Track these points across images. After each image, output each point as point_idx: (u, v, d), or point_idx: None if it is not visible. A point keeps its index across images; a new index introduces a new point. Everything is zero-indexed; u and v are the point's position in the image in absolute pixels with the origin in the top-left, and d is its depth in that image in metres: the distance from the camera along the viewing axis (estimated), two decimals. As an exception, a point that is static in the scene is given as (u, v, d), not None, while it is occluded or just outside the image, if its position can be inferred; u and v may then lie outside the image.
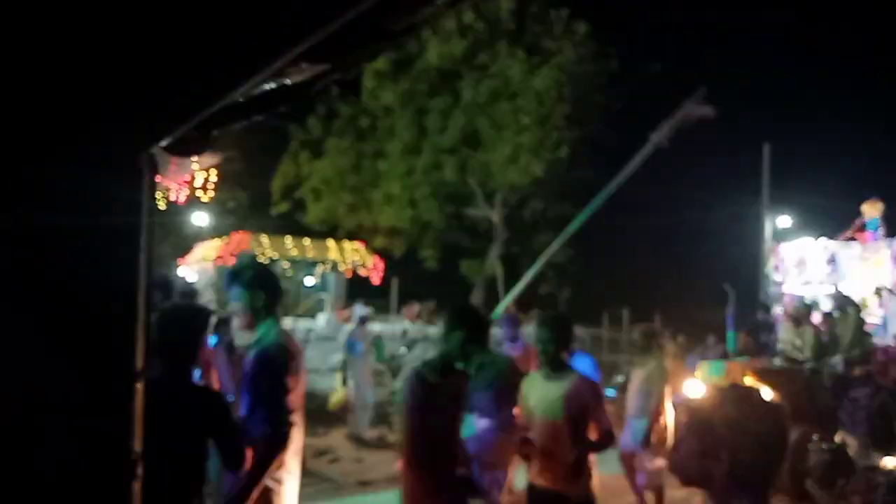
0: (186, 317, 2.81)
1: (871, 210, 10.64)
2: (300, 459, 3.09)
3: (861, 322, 8.65)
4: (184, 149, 1.55)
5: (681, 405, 6.16)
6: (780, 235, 15.91)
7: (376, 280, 16.81)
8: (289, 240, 16.27)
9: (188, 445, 2.56)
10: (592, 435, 3.47)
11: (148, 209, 1.26)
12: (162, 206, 10.51)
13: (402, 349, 11.45)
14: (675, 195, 22.39)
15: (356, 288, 16.94)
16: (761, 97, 22.90)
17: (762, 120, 20.58)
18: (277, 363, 2.84)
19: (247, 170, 22.20)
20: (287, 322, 12.32)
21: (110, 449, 1.12)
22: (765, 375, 6.88)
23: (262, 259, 15.89)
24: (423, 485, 3.03)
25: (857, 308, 8.74)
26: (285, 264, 16.26)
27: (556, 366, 3.49)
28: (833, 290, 9.89)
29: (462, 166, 20.35)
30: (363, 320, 9.38)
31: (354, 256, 16.79)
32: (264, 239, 16.10)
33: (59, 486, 1.10)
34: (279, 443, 2.74)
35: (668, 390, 5.62)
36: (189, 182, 10.20)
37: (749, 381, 7.13)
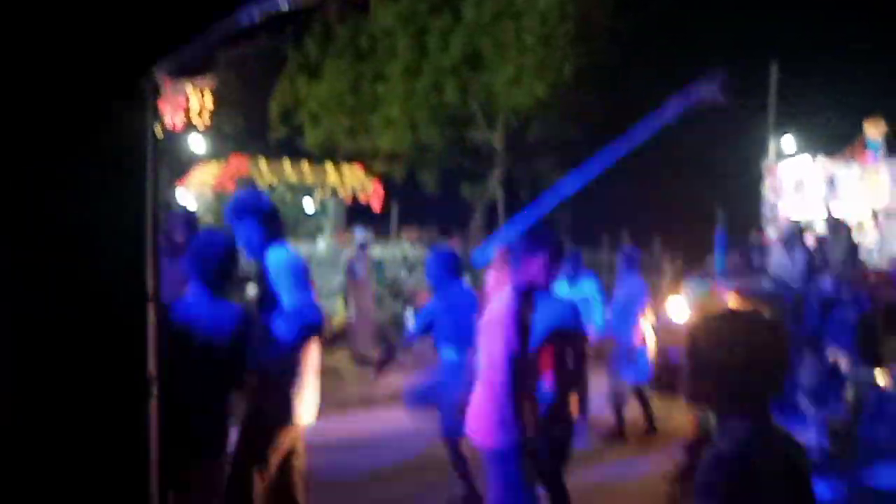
0: (221, 241, 3.22)
1: (874, 129, 10.36)
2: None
3: (852, 245, 8.62)
4: (185, 71, 1.50)
5: (665, 325, 6.30)
6: (784, 156, 15.71)
7: (376, 205, 16.74)
8: (287, 164, 16.09)
9: (225, 356, 2.97)
10: None
11: (152, 133, 1.24)
12: (159, 131, 10.36)
13: (403, 273, 11.57)
14: (679, 116, 22.01)
15: (356, 213, 16.89)
16: (771, 10, 22.15)
17: (770, 37, 19.93)
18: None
19: (243, 94, 21.77)
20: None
21: (125, 370, 1.15)
22: (749, 297, 6.95)
23: (260, 184, 15.78)
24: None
25: (849, 230, 8.70)
26: (284, 189, 16.15)
27: None
28: (827, 213, 9.81)
29: (463, 88, 19.93)
30: (363, 246, 9.43)
31: (354, 181, 16.63)
32: (262, 164, 15.93)
33: (78, 408, 1.13)
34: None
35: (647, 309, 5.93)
36: (184, 106, 10.04)
37: (732, 302, 7.19)
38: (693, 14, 20.36)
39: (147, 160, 1.22)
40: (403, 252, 12.99)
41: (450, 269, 4.44)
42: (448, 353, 4.34)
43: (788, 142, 18.33)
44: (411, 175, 22.39)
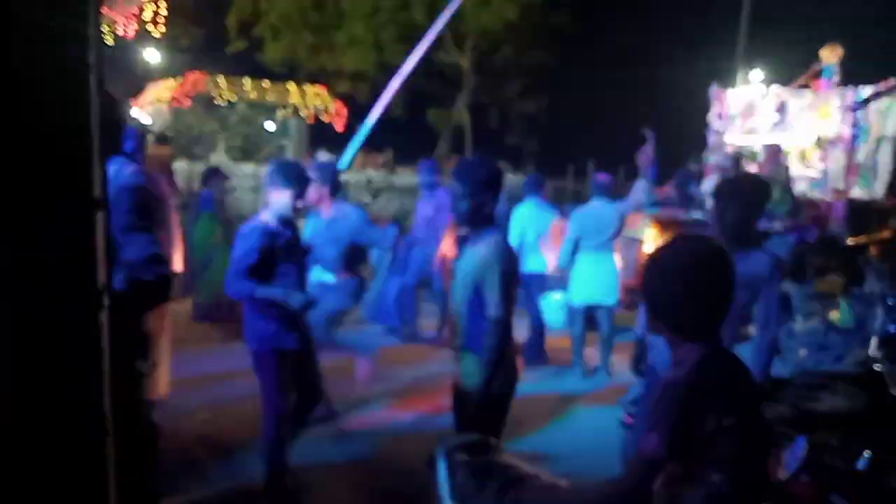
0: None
1: (830, 55, 10.10)
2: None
3: (785, 175, 8.58)
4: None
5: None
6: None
7: (340, 126, 16.36)
8: (248, 81, 15.53)
9: None
10: None
11: (95, 42, 1.13)
12: (110, 40, 9.80)
13: (367, 198, 11.44)
14: (649, 48, 21.80)
15: (319, 134, 16.52)
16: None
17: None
18: None
19: (200, 4, 20.73)
20: (248, 168, 12.07)
21: (75, 282, 1.09)
22: (668, 227, 6.92)
23: (219, 101, 15.25)
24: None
25: (782, 158, 8.63)
26: (244, 107, 15.64)
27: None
28: (770, 141, 9.69)
29: (431, 6, 19.28)
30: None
31: (316, 101, 16.18)
32: (221, 80, 15.34)
33: (26, 325, 1.08)
34: None
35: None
36: (137, 15, 9.48)
37: (651, 231, 7.20)
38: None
39: (90, 70, 1.12)
40: (368, 177, 12.81)
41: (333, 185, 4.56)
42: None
43: (757, 75, 18.33)
44: (376, 97, 21.84)
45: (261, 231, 3.35)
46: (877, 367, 3.40)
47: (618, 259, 5.95)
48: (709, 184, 8.13)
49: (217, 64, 19.45)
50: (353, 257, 4.58)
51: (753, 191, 3.05)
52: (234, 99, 15.48)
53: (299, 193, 3.50)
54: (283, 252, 3.40)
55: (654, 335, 2.34)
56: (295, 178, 3.49)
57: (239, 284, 3.32)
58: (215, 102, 15.51)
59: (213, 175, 7.86)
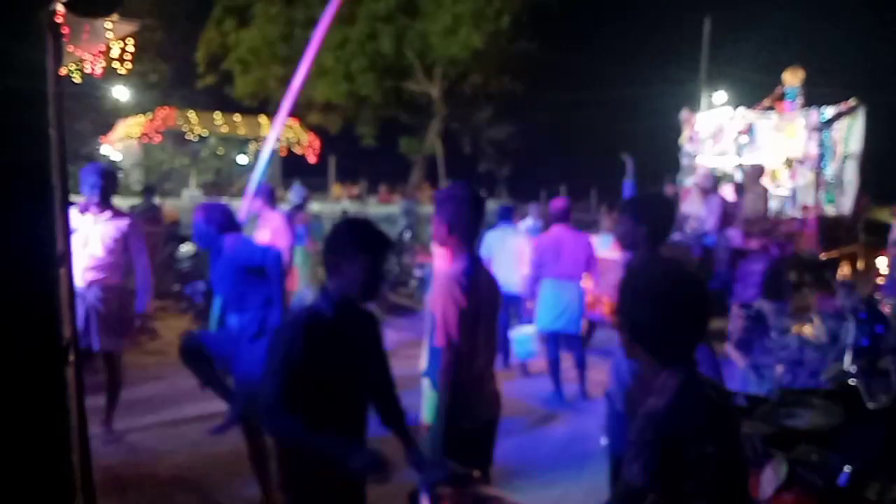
0: None
1: (792, 78, 10.43)
2: None
3: (763, 195, 8.77)
4: (89, 8, 1.35)
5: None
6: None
7: (312, 158, 16.38)
8: (218, 116, 15.51)
9: None
10: None
11: (54, 76, 1.11)
12: (77, 78, 9.72)
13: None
14: (616, 73, 22.21)
15: (291, 166, 16.50)
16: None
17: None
18: None
19: (169, 39, 20.71)
20: (221, 202, 11.98)
21: (38, 338, 1.05)
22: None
23: (190, 136, 15.20)
24: None
25: (760, 178, 8.81)
26: (215, 141, 15.59)
27: None
28: (743, 162, 9.93)
29: (399, 37, 19.50)
30: (300, 207, 9.09)
31: (288, 133, 16.20)
32: (191, 115, 15.31)
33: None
34: None
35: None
36: (104, 52, 9.43)
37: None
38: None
39: (48, 105, 1.09)
40: (342, 207, 12.79)
41: (220, 225, 3.89)
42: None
43: (720, 97, 18.76)
44: (348, 128, 21.95)
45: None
46: (851, 381, 3.43)
47: (591, 283, 5.94)
48: (688, 206, 8.25)
49: (187, 99, 19.42)
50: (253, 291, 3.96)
51: (659, 207, 3.12)
52: (205, 133, 15.46)
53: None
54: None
55: (626, 360, 2.33)
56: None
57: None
58: (186, 137, 15.46)
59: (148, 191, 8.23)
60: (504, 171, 22.02)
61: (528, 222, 7.86)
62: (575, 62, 21.85)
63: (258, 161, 16.58)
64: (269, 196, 6.72)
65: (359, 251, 2.22)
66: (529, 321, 5.97)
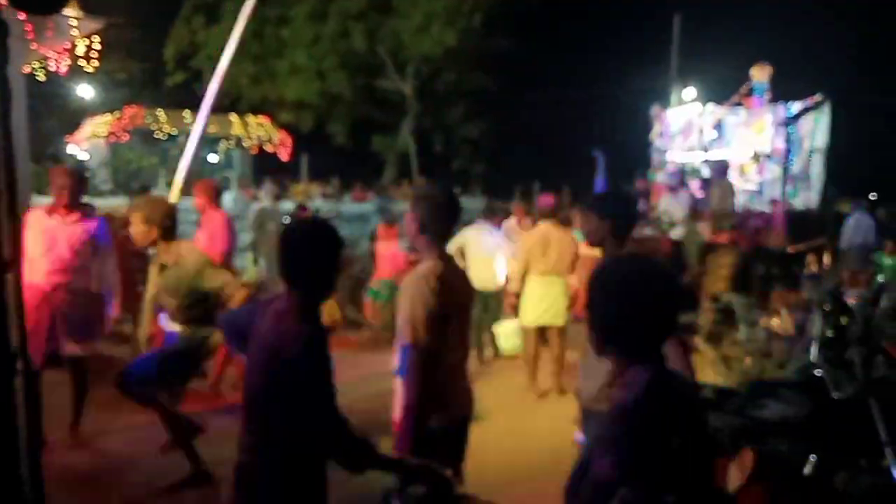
0: None
1: (760, 74, 10.62)
2: None
3: (730, 190, 8.93)
4: (36, 4, 1.31)
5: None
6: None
7: (284, 156, 16.21)
8: (188, 114, 15.26)
9: None
10: None
11: (2, 76, 1.07)
12: (41, 76, 9.53)
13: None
14: (588, 69, 22.36)
15: (263, 164, 16.33)
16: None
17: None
18: None
19: (136, 37, 20.37)
20: (190, 202, 11.84)
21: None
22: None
23: (159, 135, 14.96)
24: None
25: (728, 173, 8.98)
26: (185, 140, 15.39)
27: None
28: (711, 157, 10.10)
29: (371, 34, 19.39)
30: (278, 198, 9.15)
31: (260, 131, 16.01)
32: (160, 113, 15.05)
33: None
34: None
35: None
36: (69, 50, 9.25)
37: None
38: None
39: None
40: (316, 206, 12.69)
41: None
42: None
43: (690, 93, 18.96)
44: (320, 126, 21.78)
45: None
46: (818, 372, 3.49)
47: (575, 279, 6.03)
48: (664, 202, 8.36)
49: (156, 97, 19.12)
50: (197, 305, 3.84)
51: (623, 203, 3.20)
52: (174, 132, 15.21)
53: None
54: None
55: (594, 357, 2.34)
56: None
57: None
58: (155, 136, 15.20)
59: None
60: (478, 168, 22.02)
61: (511, 220, 7.96)
62: (546, 59, 21.96)
63: (230, 159, 16.38)
64: (214, 194, 6.27)
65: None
66: (511, 316, 6.13)
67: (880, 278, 6.94)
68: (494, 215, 7.24)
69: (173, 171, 15.69)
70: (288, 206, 10.67)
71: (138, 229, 3.75)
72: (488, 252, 6.72)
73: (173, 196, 4.26)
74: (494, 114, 21.78)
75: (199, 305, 3.77)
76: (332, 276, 2.28)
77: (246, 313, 2.47)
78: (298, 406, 2.08)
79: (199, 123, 4.52)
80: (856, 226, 9.29)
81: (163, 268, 3.82)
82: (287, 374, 2.09)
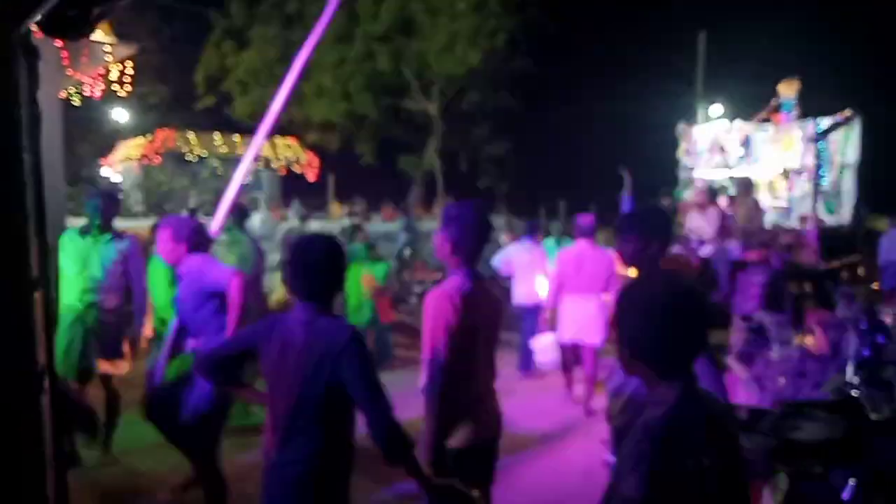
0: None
1: (787, 90, 10.51)
2: None
3: (758, 206, 8.78)
4: (66, 30, 1.34)
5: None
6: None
7: (311, 177, 16.41)
8: (217, 136, 15.56)
9: None
10: None
11: (30, 99, 1.09)
12: (77, 101, 9.80)
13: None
14: (614, 88, 22.31)
15: (291, 185, 16.54)
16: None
17: (698, 7, 20.34)
18: None
19: (167, 62, 20.89)
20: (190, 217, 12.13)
21: (12, 365, 1.03)
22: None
23: (189, 157, 15.25)
24: None
25: (753, 191, 8.84)
26: (215, 162, 15.64)
27: None
28: (739, 174, 9.96)
29: (396, 55, 19.62)
30: (305, 218, 9.29)
31: (287, 153, 16.25)
32: (191, 136, 15.37)
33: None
34: None
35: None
36: (103, 75, 9.51)
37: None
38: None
39: (21, 128, 1.07)
40: (343, 225, 12.79)
41: (189, 242, 3.71)
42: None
43: (717, 109, 18.82)
44: (347, 146, 22.03)
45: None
46: (854, 392, 3.40)
47: (610, 298, 6.02)
48: (692, 220, 8.28)
49: (186, 120, 19.53)
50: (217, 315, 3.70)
51: (655, 221, 3.04)
52: (204, 154, 15.51)
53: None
54: None
55: (627, 375, 2.31)
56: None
57: None
58: (186, 158, 15.51)
59: None
60: (503, 186, 22.04)
61: (551, 239, 8.22)
62: (571, 78, 21.99)
63: (258, 180, 16.61)
64: (240, 216, 6.13)
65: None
66: (551, 331, 6.21)
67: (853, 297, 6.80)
68: (537, 232, 7.70)
69: (203, 191, 15.98)
70: (315, 225, 10.78)
71: (166, 246, 3.68)
72: (531, 269, 7.15)
73: (215, 224, 4.18)
74: (519, 132, 21.85)
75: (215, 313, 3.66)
76: (340, 288, 2.48)
77: (244, 341, 2.54)
78: (368, 393, 2.25)
79: (252, 150, 4.43)
80: (892, 242, 9.09)
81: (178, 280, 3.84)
82: (352, 368, 2.25)
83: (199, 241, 3.75)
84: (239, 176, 4.10)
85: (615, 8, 22.57)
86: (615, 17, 22.59)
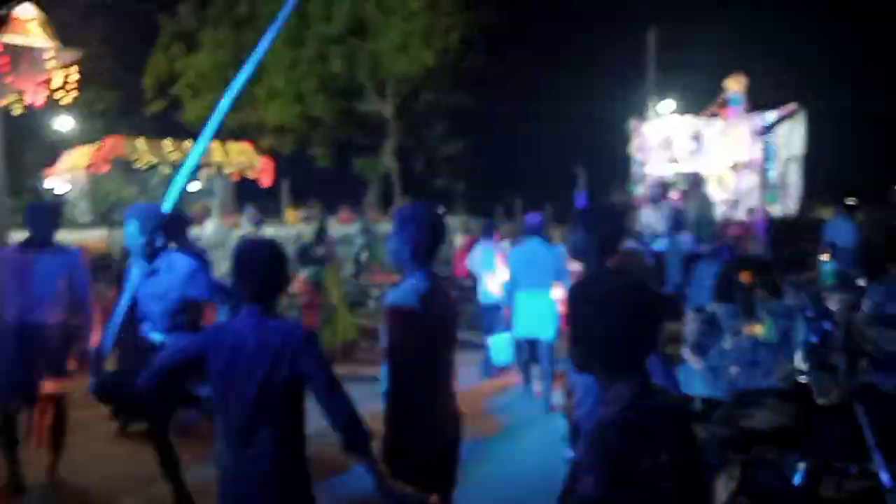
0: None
1: (734, 85, 10.82)
2: None
3: (708, 200, 9.03)
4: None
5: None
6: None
7: (266, 182, 16.16)
8: (168, 143, 15.21)
9: None
10: None
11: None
12: (18, 110, 9.47)
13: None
14: (567, 85, 22.57)
15: (244, 191, 16.27)
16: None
17: (649, 5, 20.71)
18: None
19: (114, 67, 20.36)
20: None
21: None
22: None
23: (139, 165, 14.88)
24: None
25: (703, 185, 9.08)
26: (166, 169, 15.30)
27: None
28: (689, 168, 10.22)
29: (349, 57, 19.51)
30: (259, 224, 9.14)
31: (241, 157, 15.96)
32: (140, 143, 14.98)
33: None
34: None
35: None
36: (46, 82, 9.22)
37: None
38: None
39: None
40: (298, 231, 12.64)
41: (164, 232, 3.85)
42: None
43: (668, 105, 19.16)
44: (301, 150, 21.80)
45: None
46: (802, 379, 3.49)
47: (561, 294, 6.11)
48: (645, 214, 8.43)
49: (135, 127, 19.06)
50: (184, 314, 3.84)
51: (605, 218, 3.10)
52: (154, 161, 15.14)
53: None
54: None
55: (581, 374, 2.33)
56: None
57: None
58: (135, 166, 15.12)
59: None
60: (460, 186, 22.10)
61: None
62: (524, 76, 22.15)
63: (211, 187, 16.28)
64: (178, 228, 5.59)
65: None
66: (507, 329, 6.34)
67: (825, 283, 7.10)
68: (494, 232, 7.81)
69: (153, 199, 15.58)
70: (270, 231, 10.62)
71: (133, 238, 3.74)
72: (489, 267, 7.27)
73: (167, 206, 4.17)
74: (475, 132, 21.95)
75: (189, 312, 3.84)
76: (283, 290, 2.59)
77: (191, 352, 2.52)
78: (328, 384, 2.37)
79: (195, 153, 4.37)
80: (836, 231, 9.41)
81: (152, 273, 3.77)
82: (310, 362, 2.37)
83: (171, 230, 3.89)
84: (181, 180, 4.04)
85: (568, 6, 22.84)
86: (567, 14, 22.85)
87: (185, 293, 3.75)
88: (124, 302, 3.80)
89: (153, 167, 15.16)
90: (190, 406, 3.91)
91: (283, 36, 19.16)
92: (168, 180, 15.53)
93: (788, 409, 3.31)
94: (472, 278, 7.74)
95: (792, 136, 10.46)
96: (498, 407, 6.16)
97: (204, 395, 3.24)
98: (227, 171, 15.88)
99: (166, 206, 3.93)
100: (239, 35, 19.64)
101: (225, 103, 4.06)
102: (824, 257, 7.85)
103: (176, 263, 3.77)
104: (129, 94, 21.00)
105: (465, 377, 6.36)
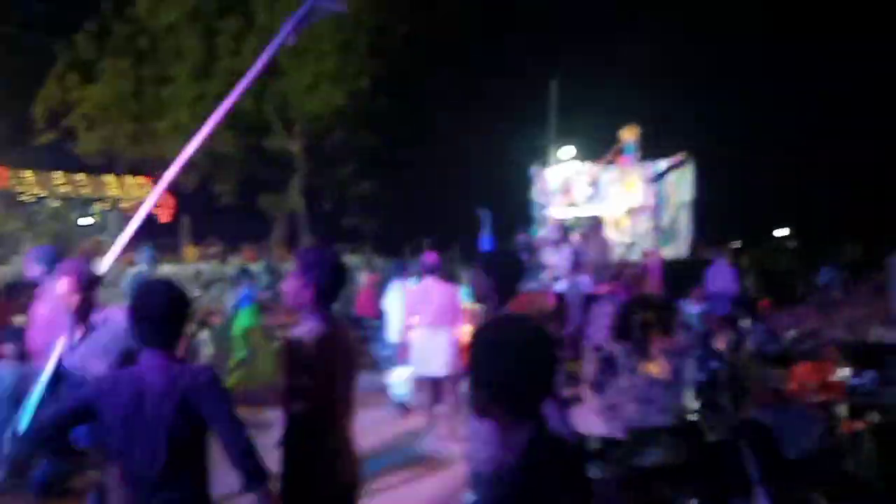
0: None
1: (629, 135, 11.56)
2: None
3: (606, 242, 9.48)
4: None
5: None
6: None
7: (165, 217, 15.57)
8: (58, 175, 14.43)
9: None
10: None
11: None
12: None
13: (197, 291, 10.84)
14: (475, 128, 23.17)
15: (141, 227, 15.57)
16: (553, 27, 24.29)
17: (551, 57, 21.72)
18: None
19: (2, 96, 19.18)
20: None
21: None
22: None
23: (25, 198, 14.03)
24: None
25: (601, 228, 9.53)
26: (55, 203, 14.46)
27: None
28: (588, 212, 10.75)
29: (258, 94, 19.24)
30: (154, 261, 8.72)
31: (139, 192, 15.34)
32: (27, 175, 14.14)
33: None
34: None
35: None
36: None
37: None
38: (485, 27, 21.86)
39: None
40: (197, 269, 12.18)
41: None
42: None
43: (569, 151, 19.95)
44: (205, 185, 21.13)
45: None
46: (692, 416, 3.64)
47: (459, 333, 6.16)
48: (547, 256, 8.69)
49: (23, 157, 17.95)
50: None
51: (506, 263, 3.21)
52: (42, 194, 14.31)
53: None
54: None
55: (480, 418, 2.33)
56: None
57: None
58: (20, 199, 14.24)
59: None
60: (371, 225, 22.03)
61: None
62: (434, 119, 22.57)
63: (105, 222, 15.47)
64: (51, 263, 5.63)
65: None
66: (405, 364, 6.36)
67: (690, 326, 7.44)
68: (404, 272, 7.92)
69: (39, 235, 14.67)
70: (168, 268, 10.18)
71: (69, 298, 3.52)
72: (401, 308, 7.22)
73: (104, 266, 3.94)
74: (385, 172, 22.04)
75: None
76: (182, 331, 2.51)
77: (81, 402, 2.41)
78: (229, 425, 2.37)
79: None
80: (715, 274, 9.90)
81: (88, 331, 3.51)
82: (213, 404, 2.37)
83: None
84: (134, 224, 3.87)
85: (477, 55, 23.60)
86: (476, 62, 23.58)
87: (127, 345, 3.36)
88: (43, 382, 3.37)
89: (41, 200, 14.31)
90: (62, 460, 3.61)
91: (188, 69, 18.77)
92: (56, 214, 14.73)
93: (680, 446, 3.44)
94: (380, 317, 7.70)
95: (681, 183, 11.13)
96: (398, 447, 6.06)
97: (81, 446, 3.03)
98: (123, 205, 15.19)
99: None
100: (140, 67, 19.02)
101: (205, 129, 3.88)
102: (691, 300, 8.02)
103: (113, 317, 3.58)
104: (17, 124, 19.79)
105: (371, 419, 6.26)
